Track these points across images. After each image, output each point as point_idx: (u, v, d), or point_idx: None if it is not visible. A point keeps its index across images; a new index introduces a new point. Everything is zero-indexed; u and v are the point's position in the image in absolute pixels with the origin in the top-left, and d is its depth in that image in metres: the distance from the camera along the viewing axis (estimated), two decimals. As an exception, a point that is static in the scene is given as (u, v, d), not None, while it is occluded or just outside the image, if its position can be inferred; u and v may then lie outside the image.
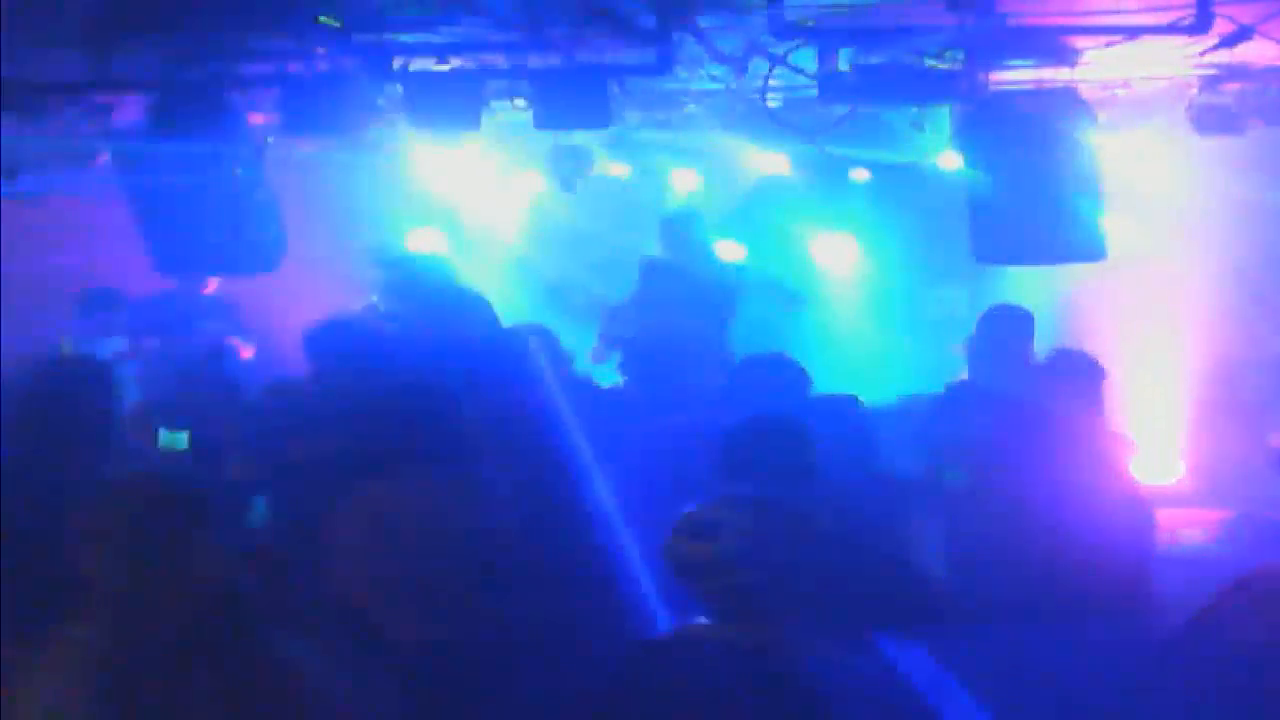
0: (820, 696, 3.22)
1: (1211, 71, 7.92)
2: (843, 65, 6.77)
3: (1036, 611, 5.06)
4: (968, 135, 7.56)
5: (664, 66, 6.66)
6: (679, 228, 9.50)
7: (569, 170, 9.31)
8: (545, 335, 7.21)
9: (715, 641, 3.24)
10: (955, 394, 6.91)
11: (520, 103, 7.82)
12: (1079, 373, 5.97)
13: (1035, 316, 7.91)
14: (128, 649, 3.22)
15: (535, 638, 3.82)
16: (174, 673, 3.21)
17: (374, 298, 8.12)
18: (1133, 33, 6.42)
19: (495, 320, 8.01)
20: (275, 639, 3.39)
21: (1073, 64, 6.99)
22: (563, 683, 3.41)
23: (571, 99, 7.20)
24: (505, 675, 3.38)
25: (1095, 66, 7.23)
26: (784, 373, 5.99)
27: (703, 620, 3.29)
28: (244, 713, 3.23)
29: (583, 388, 7.24)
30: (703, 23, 6.58)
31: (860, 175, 11.03)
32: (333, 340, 6.70)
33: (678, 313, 8.66)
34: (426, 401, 5.48)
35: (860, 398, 6.10)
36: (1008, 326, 7.55)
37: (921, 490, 5.18)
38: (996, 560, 5.23)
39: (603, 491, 6.00)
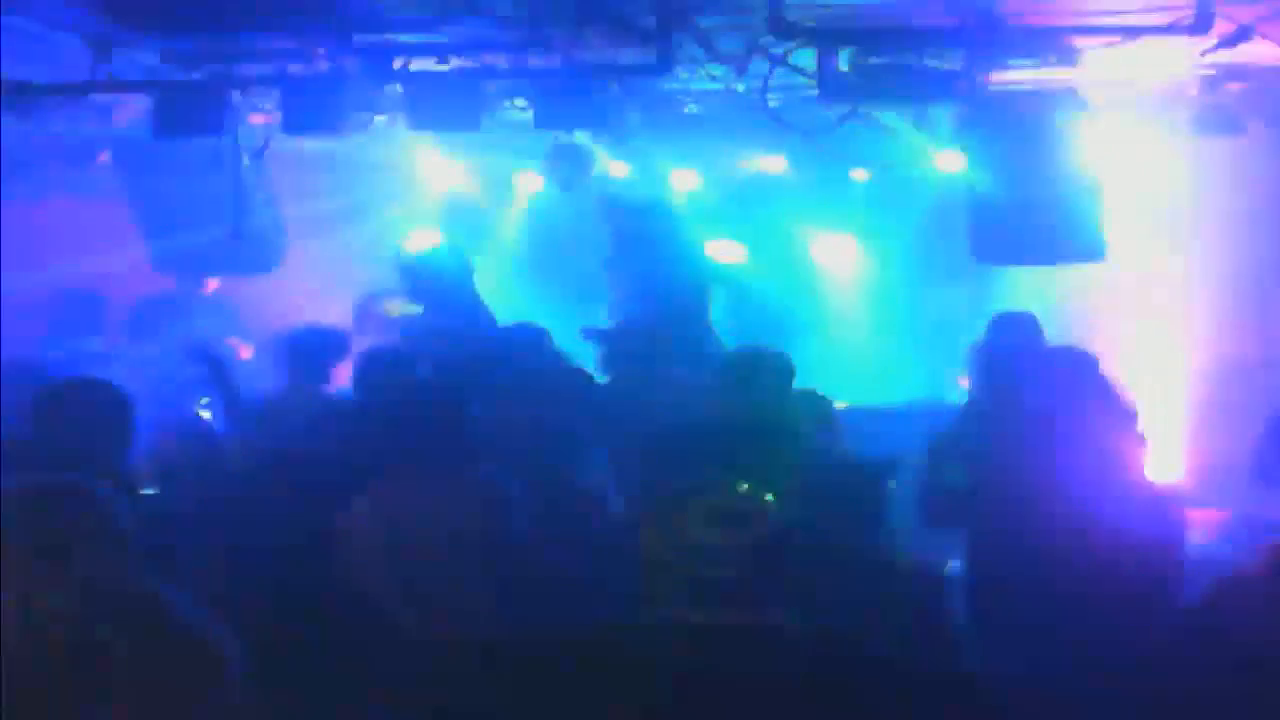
0: (818, 680, 3.22)
1: (1211, 71, 7.92)
2: (843, 65, 6.77)
3: (1059, 611, 5.06)
4: (968, 135, 7.56)
5: (664, 66, 6.66)
6: (635, 222, 9.40)
7: (569, 170, 9.30)
8: (538, 334, 7.22)
9: (716, 628, 3.24)
10: (970, 401, 6.93)
11: (520, 103, 7.82)
12: (1086, 371, 5.97)
13: (1036, 317, 7.92)
14: (30, 647, 3.27)
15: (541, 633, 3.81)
16: (79, 667, 3.26)
17: (389, 299, 8.12)
18: (1133, 33, 6.42)
19: (493, 321, 8.03)
20: (185, 620, 3.43)
21: (1073, 64, 6.98)
22: (567, 677, 3.40)
23: (571, 99, 7.21)
24: (514, 672, 3.38)
25: (1095, 66, 7.22)
26: (771, 366, 5.99)
27: (688, 607, 3.28)
28: (156, 695, 3.28)
29: (575, 384, 7.20)
30: (703, 23, 6.58)
31: (860, 175, 11.03)
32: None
33: (645, 307, 8.62)
34: (432, 403, 5.49)
35: (825, 394, 6.12)
36: (1018, 333, 7.52)
37: (887, 476, 5.16)
38: (1017, 562, 5.24)
39: (602, 487, 6.01)
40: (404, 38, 6.85)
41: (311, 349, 7.07)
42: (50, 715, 3.29)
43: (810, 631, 3.31)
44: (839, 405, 6.53)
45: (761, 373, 5.95)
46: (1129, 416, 5.64)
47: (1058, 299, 9.20)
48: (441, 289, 8.10)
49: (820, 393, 6.12)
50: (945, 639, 4.65)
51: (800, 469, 4.93)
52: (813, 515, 4.71)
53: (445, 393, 5.61)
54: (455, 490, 5.25)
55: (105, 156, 8.69)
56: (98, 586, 3.34)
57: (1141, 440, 5.70)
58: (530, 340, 7.15)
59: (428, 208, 11.29)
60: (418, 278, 8.19)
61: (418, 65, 7.15)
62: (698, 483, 3.47)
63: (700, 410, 6.03)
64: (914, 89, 6.72)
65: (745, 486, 3.44)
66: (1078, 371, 5.77)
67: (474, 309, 8.14)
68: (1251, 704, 3.94)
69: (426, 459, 5.30)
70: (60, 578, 3.30)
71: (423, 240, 10.73)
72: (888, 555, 4.74)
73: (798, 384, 6.10)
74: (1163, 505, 5.39)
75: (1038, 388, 5.73)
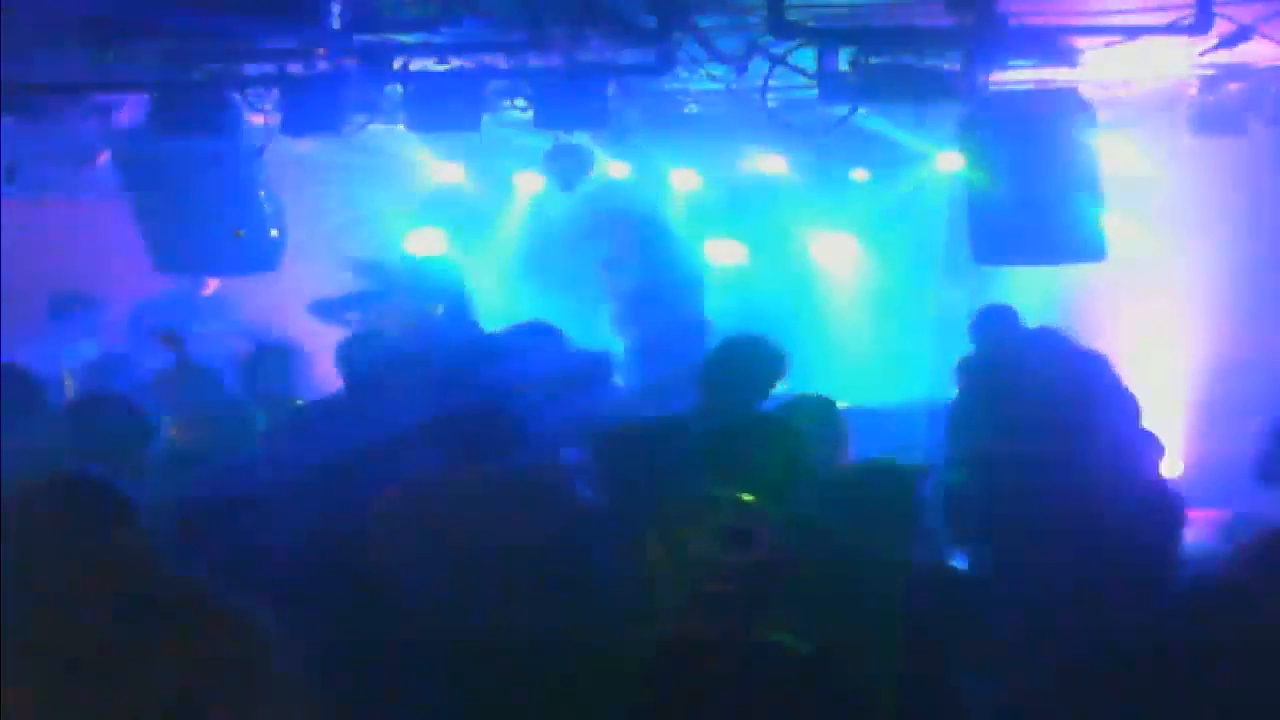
0: (814, 699, 3.24)
1: (1211, 71, 7.92)
2: (843, 65, 6.77)
3: (1063, 604, 5.08)
4: (968, 135, 7.56)
5: (664, 66, 6.66)
6: (636, 230, 9.41)
7: (569, 170, 9.31)
8: (552, 333, 7.22)
9: (716, 643, 3.25)
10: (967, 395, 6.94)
11: (520, 103, 7.82)
12: (1101, 372, 6.00)
13: (1033, 316, 7.94)
14: (67, 645, 3.28)
15: (573, 636, 3.82)
16: (119, 659, 3.27)
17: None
18: (1133, 33, 6.42)
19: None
20: (223, 610, 3.44)
21: (1073, 64, 6.98)
22: (598, 684, 3.40)
23: (571, 99, 7.21)
24: (544, 672, 3.39)
25: (1095, 66, 7.22)
26: (763, 355, 5.96)
27: (689, 620, 3.29)
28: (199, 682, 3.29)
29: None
30: (703, 23, 6.58)
31: (860, 175, 11.03)
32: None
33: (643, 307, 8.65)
34: (481, 397, 5.48)
35: (834, 400, 6.10)
36: (999, 325, 7.55)
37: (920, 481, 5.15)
38: (1025, 558, 5.25)
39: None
40: (404, 38, 6.85)
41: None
42: (93, 704, 3.29)
43: (809, 651, 3.32)
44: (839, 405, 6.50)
45: (753, 360, 5.91)
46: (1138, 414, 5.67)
47: (1058, 299, 9.22)
48: (438, 293, 8.16)
49: (825, 396, 6.09)
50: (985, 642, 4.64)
51: (821, 472, 4.92)
52: (843, 522, 4.70)
53: (494, 389, 5.60)
54: (500, 487, 5.23)
55: (105, 156, 8.68)
56: (131, 574, 3.35)
57: (1159, 446, 5.73)
58: (543, 338, 7.16)
59: (425, 206, 11.31)
60: (416, 280, 8.25)
61: (417, 65, 7.15)
62: (702, 497, 3.48)
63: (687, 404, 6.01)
64: (914, 89, 6.72)
65: (749, 499, 3.46)
66: (1092, 372, 5.81)
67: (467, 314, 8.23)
68: (1235, 697, 3.94)
69: (468, 453, 5.29)
70: (90, 566, 3.32)
71: (420, 241, 10.77)
72: (920, 561, 4.71)
73: (802, 387, 6.08)
74: (1167, 503, 5.42)
75: (1055, 389, 5.75)
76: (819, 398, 6.02)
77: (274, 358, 7.21)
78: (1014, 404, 5.97)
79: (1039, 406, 5.81)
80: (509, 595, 4.95)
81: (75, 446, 5.26)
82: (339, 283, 8.73)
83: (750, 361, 5.91)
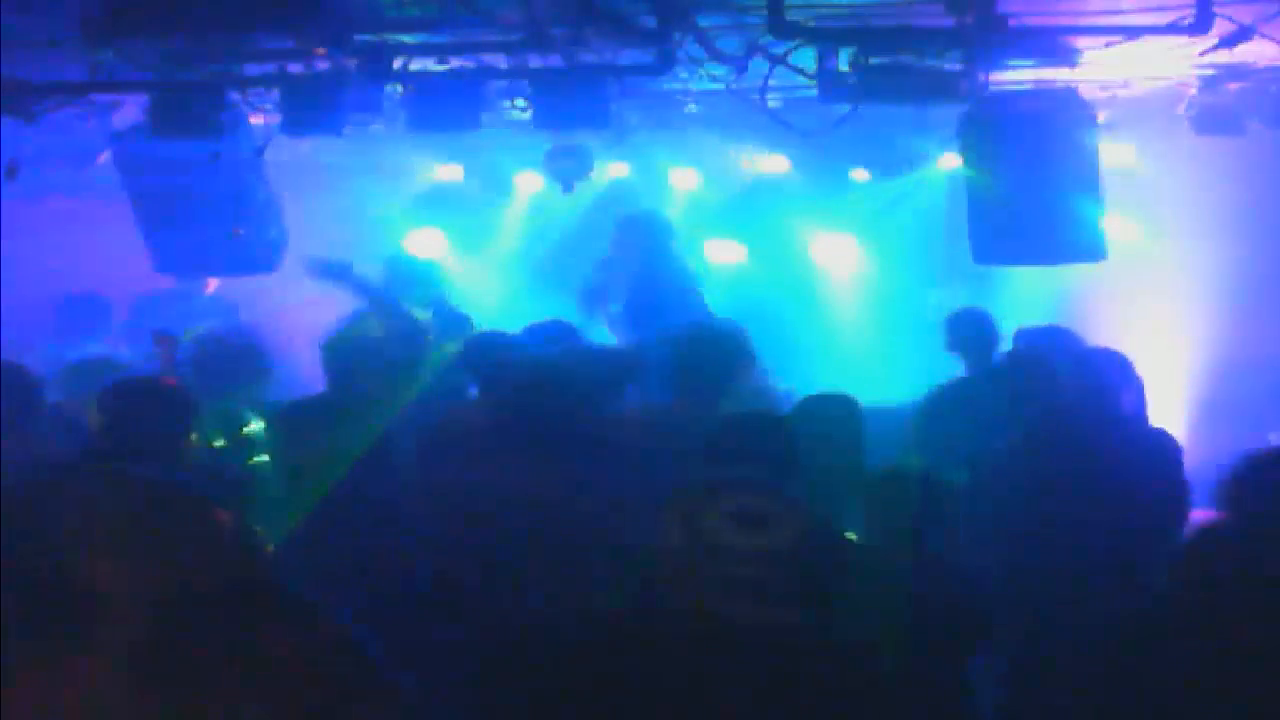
0: (826, 682, 3.25)
1: (1211, 71, 7.92)
2: (843, 65, 6.77)
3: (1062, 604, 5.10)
4: (968, 135, 7.56)
5: (664, 66, 6.65)
6: (637, 231, 9.42)
7: (569, 170, 9.31)
8: (571, 332, 7.22)
9: (733, 623, 3.27)
10: (955, 392, 6.95)
11: (520, 103, 7.82)
12: (1116, 371, 6.02)
13: (1034, 316, 7.94)
14: (150, 643, 3.25)
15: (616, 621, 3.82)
16: (201, 659, 3.26)
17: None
18: (1133, 33, 6.42)
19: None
20: (295, 605, 3.42)
21: (1073, 64, 6.99)
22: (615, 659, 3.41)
23: (571, 99, 7.21)
24: (585, 657, 3.40)
25: (1095, 66, 7.22)
26: (722, 347, 5.95)
27: (705, 599, 3.31)
28: (278, 682, 3.27)
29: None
30: (703, 23, 6.57)
31: (860, 175, 11.04)
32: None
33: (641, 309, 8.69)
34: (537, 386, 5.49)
35: (855, 397, 6.09)
36: (979, 328, 7.56)
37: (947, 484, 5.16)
38: (1039, 554, 5.28)
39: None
40: (404, 38, 6.85)
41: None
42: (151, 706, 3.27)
43: (824, 636, 3.33)
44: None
45: (713, 353, 5.90)
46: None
47: (1058, 299, 9.22)
48: (418, 292, 8.19)
49: (847, 395, 6.06)
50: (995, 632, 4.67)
51: (838, 469, 4.94)
52: (873, 524, 4.72)
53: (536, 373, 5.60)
54: (536, 473, 5.24)
55: (105, 156, 8.69)
56: (201, 575, 3.32)
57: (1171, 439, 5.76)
58: (561, 337, 7.16)
59: (423, 206, 11.32)
60: (395, 279, 8.29)
61: (417, 65, 7.15)
62: (723, 479, 3.49)
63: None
64: (914, 89, 6.71)
65: (769, 484, 3.47)
66: (1116, 373, 5.83)
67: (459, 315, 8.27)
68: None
69: (529, 442, 5.31)
70: (170, 560, 3.29)
71: (420, 241, 10.76)
72: (946, 562, 4.72)
73: (801, 386, 6.07)
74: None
75: (1080, 389, 5.78)
76: (840, 396, 6.03)
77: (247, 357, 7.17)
78: (1033, 404, 5.98)
79: (1062, 407, 5.84)
80: (543, 575, 4.97)
81: (113, 431, 5.19)
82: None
83: (711, 353, 5.91)
